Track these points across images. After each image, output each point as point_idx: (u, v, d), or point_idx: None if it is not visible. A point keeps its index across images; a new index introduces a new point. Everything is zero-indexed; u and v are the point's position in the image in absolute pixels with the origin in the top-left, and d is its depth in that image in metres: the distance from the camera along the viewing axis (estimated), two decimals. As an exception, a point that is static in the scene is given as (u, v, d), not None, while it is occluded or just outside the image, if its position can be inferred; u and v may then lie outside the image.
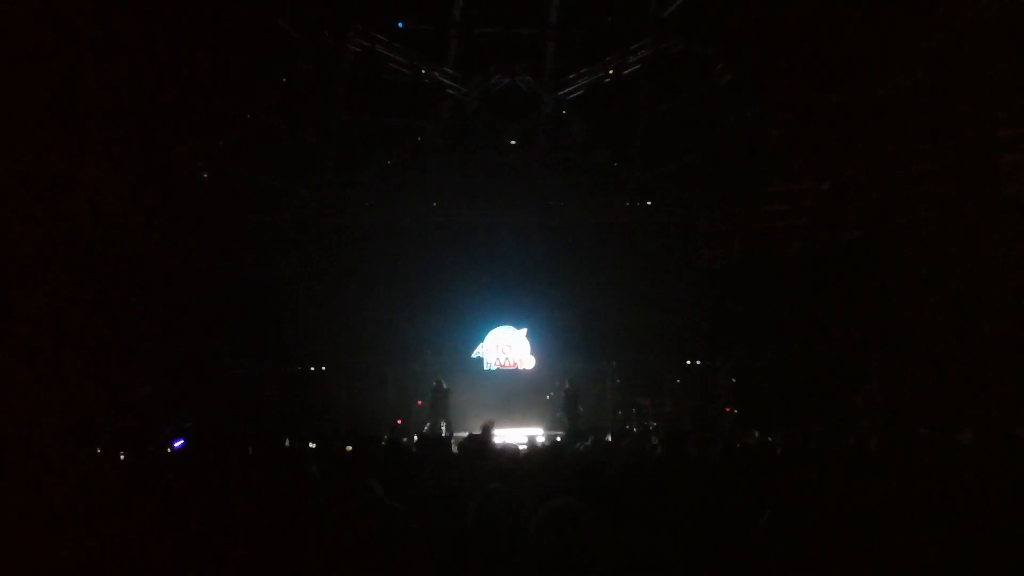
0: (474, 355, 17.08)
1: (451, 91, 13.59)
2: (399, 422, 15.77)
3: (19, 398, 11.35)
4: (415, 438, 12.49)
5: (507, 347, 17.17)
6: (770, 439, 9.53)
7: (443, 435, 13.24)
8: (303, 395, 15.25)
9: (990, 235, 10.69)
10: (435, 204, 16.27)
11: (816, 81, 12.01)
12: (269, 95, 13.28)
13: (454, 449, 8.33)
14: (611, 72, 12.90)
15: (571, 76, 13.35)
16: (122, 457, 7.09)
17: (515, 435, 13.57)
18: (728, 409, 14.99)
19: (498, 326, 17.21)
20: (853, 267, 12.76)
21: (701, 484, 4.79)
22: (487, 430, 8.90)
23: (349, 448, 7.97)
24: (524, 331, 17.18)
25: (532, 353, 17.13)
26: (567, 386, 15.52)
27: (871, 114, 11.92)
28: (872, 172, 12.70)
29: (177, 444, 9.88)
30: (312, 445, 8.76)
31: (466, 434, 11.37)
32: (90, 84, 11.40)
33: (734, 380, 15.37)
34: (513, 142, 14.50)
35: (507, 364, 17.12)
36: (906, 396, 11.39)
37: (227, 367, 14.48)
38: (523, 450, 8.18)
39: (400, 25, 12.84)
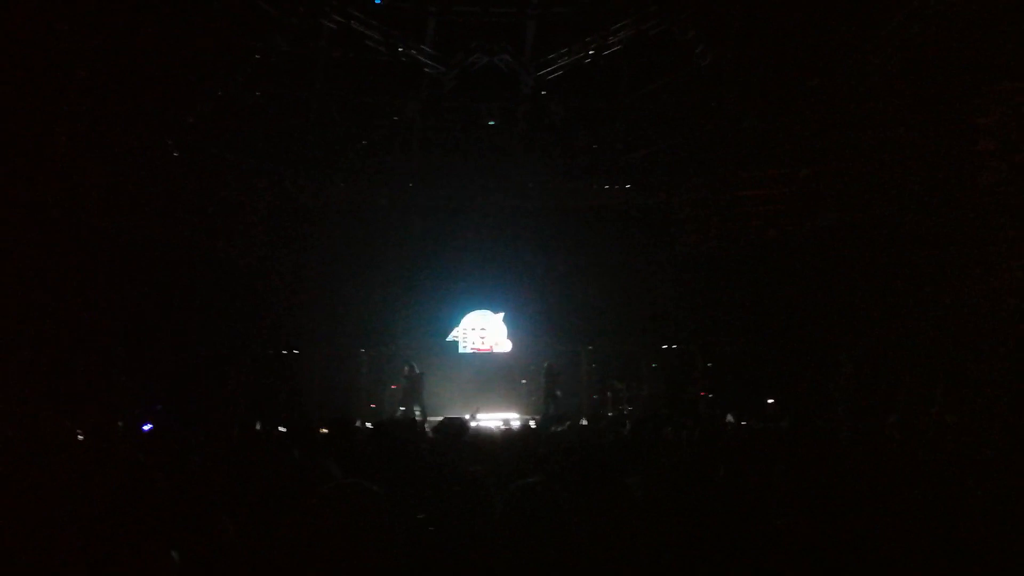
0: (449, 338, 16.98)
1: (429, 70, 13.39)
2: (372, 406, 15.67)
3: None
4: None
5: (483, 330, 17.08)
6: (744, 423, 9.53)
7: (417, 420, 13.16)
8: (275, 378, 15.05)
9: (966, 223, 10.75)
10: (411, 185, 16.09)
11: (796, 67, 11.98)
12: (243, 72, 13.01)
13: (428, 434, 8.24)
14: (591, 53, 12.78)
15: (551, 56, 13.21)
16: (81, 438, 6.93)
17: (490, 419, 13.53)
18: (703, 393, 15.03)
19: (475, 309, 17.11)
20: (829, 253, 12.81)
21: (675, 466, 4.76)
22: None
23: (324, 431, 7.86)
24: (501, 315, 17.10)
25: (509, 337, 17.06)
26: (545, 369, 15.47)
27: (850, 101, 11.92)
28: (850, 159, 12.73)
29: (146, 427, 9.71)
30: (283, 429, 8.63)
31: (440, 419, 11.29)
32: (59, 60, 11.11)
33: (709, 365, 15.41)
34: (491, 123, 14.33)
35: (483, 348, 17.04)
36: (879, 383, 11.46)
37: (198, 349, 14.26)
38: (498, 434, 8.11)
39: (377, 2, 12.61)
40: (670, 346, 16.05)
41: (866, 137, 12.29)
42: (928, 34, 10.56)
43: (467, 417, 11.42)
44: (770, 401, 12.74)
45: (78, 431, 6.40)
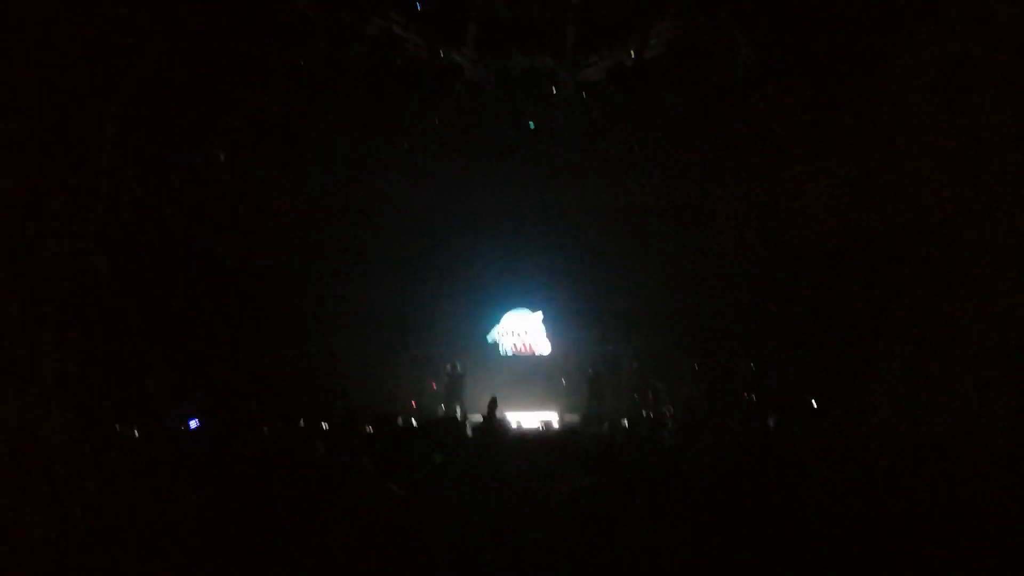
0: (489, 338, 17.04)
1: (469, 73, 13.47)
2: (413, 405, 15.80)
3: (36, 377, 11.46)
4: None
5: (522, 331, 17.11)
6: (788, 426, 9.42)
7: (457, 418, 13.25)
8: (317, 377, 15.23)
9: (1017, 229, 10.47)
10: (451, 186, 16.17)
11: (843, 65, 11.79)
12: (285, 76, 13.21)
13: (468, 432, 8.31)
14: (632, 54, 12.74)
15: (592, 58, 13.20)
16: (136, 435, 7.13)
17: (530, 419, 13.56)
18: (746, 395, 14.86)
19: (513, 309, 17.15)
20: (877, 254, 12.58)
21: (717, 469, 4.75)
22: (493, 407, 9.00)
23: (370, 429, 7.97)
24: (540, 314, 17.11)
25: (548, 337, 17.06)
26: (590, 371, 15.43)
27: (899, 101, 11.69)
28: (898, 161, 12.47)
29: (192, 424, 9.93)
30: (325, 425, 8.77)
31: (480, 417, 11.37)
32: (105, 66, 11.40)
33: (752, 365, 15.23)
34: (531, 124, 14.36)
35: (522, 348, 17.07)
36: (927, 388, 11.23)
37: (243, 348, 14.51)
38: (540, 433, 8.15)
39: (418, 5, 12.73)
40: (712, 346, 15.89)
41: (915, 138, 12.04)
42: (981, 33, 10.32)
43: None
44: (814, 403, 12.57)
45: (133, 428, 6.57)
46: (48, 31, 10.21)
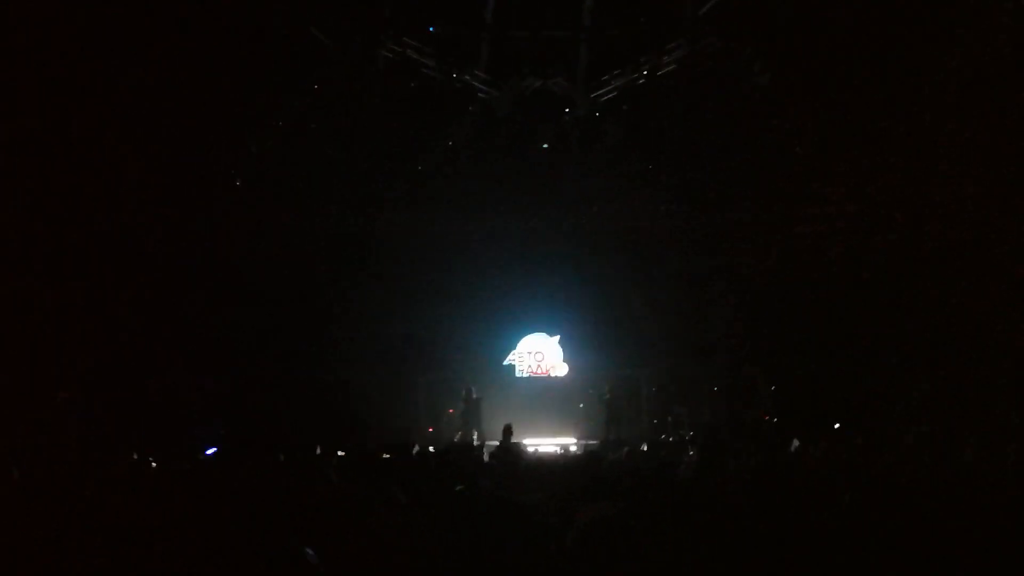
0: (506, 362, 16.92)
1: (483, 95, 13.49)
2: (430, 430, 15.67)
3: (54, 403, 11.50)
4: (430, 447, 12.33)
5: (540, 354, 16.97)
6: (810, 449, 9.25)
7: (475, 444, 13.12)
8: (335, 403, 15.15)
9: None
10: (468, 209, 16.14)
11: (856, 82, 11.71)
12: (302, 102, 13.29)
13: (485, 458, 8.19)
14: (645, 73, 12.72)
15: (605, 78, 13.19)
16: (153, 464, 7.08)
17: (547, 444, 13.40)
18: (766, 417, 14.64)
19: (531, 333, 17.03)
20: (897, 273, 12.40)
21: (740, 495, 4.62)
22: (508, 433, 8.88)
23: (386, 456, 7.87)
24: (557, 338, 16.98)
25: (565, 360, 16.92)
26: (608, 395, 15.27)
27: (913, 116, 11.59)
28: (917, 176, 12.34)
29: (209, 451, 9.87)
30: (341, 453, 8.67)
31: (497, 443, 11.26)
32: (127, 92, 11.52)
33: (773, 388, 15.01)
34: (545, 145, 14.33)
35: (539, 371, 16.93)
36: (951, 408, 11.00)
37: (261, 374, 14.48)
38: (556, 459, 8.02)
39: (431, 29, 12.79)
40: (732, 369, 15.68)
41: (932, 154, 11.91)
42: (987, 61, 10.23)
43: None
44: (836, 426, 12.35)
45: (150, 458, 6.51)
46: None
